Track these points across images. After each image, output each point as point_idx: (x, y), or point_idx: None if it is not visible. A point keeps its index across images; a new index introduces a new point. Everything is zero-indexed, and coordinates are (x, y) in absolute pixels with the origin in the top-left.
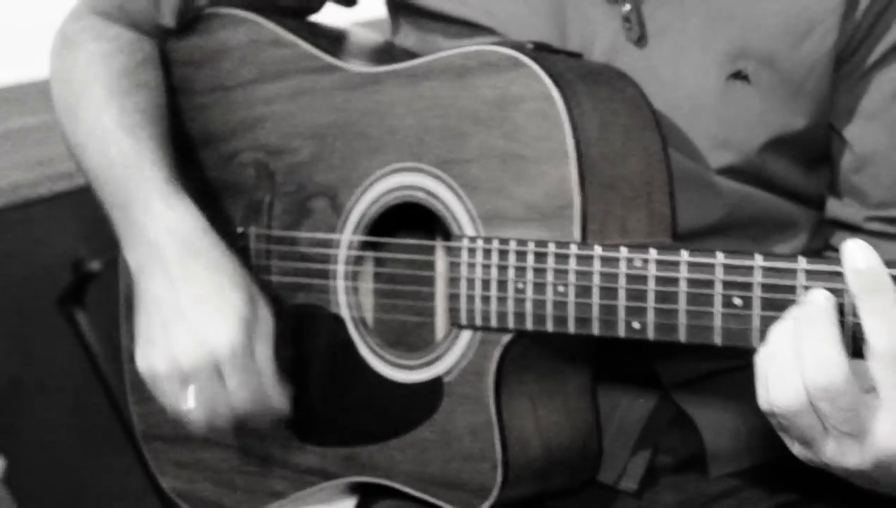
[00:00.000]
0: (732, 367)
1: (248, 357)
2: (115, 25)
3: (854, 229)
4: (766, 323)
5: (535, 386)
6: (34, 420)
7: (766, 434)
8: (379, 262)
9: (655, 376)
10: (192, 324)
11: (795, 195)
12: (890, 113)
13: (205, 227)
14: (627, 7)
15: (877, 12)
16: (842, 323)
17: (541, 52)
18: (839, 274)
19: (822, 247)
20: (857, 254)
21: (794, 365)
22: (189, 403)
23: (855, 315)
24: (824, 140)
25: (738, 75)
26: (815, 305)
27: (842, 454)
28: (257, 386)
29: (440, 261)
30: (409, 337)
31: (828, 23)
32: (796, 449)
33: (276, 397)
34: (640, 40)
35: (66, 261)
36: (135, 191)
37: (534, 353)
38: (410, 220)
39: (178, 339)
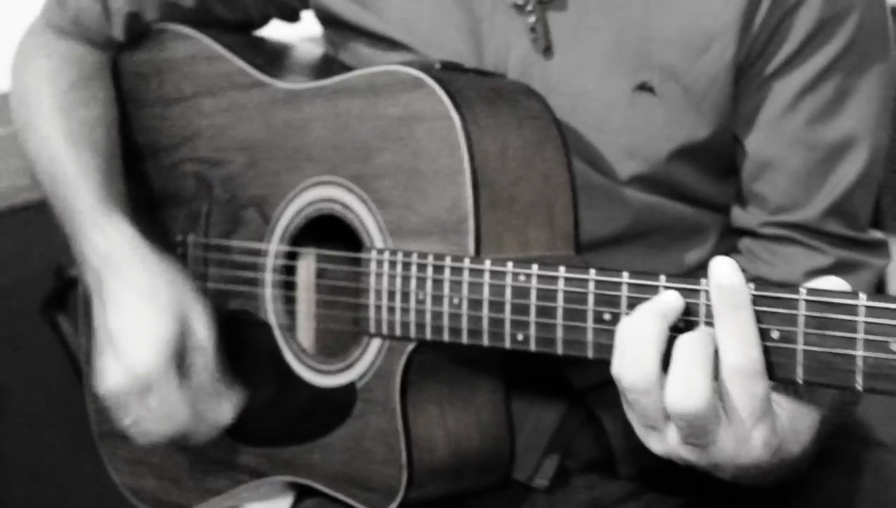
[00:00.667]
0: None
1: (169, 379)
2: (68, 40)
3: (752, 234)
4: None
5: (444, 391)
6: (17, 423)
7: None
8: (316, 271)
9: (567, 380)
10: (118, 351)
11: (704, 203)
12: (786, 122)
13: (135, 244)
14: (533, 18)
15: (773, 26)
16: None
17: (447, 71)
18: (696, 291)
19: (730, 251)
20: (722, 271)
21: (654, 348)
22: (125, 422)
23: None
24: (730, 150)
25: (644, 87)
26: (703, 335)
27: (684, 452)
28: (186, 403)
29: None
30: (344, 342)
31: (726, 37)
32: (641, 433)
33: (213, 409)
34: (547, 51)
35: (49, 268)
36: (75, 217)
37: (440, 360)
38: (341, 231)
39: (109, 366)
